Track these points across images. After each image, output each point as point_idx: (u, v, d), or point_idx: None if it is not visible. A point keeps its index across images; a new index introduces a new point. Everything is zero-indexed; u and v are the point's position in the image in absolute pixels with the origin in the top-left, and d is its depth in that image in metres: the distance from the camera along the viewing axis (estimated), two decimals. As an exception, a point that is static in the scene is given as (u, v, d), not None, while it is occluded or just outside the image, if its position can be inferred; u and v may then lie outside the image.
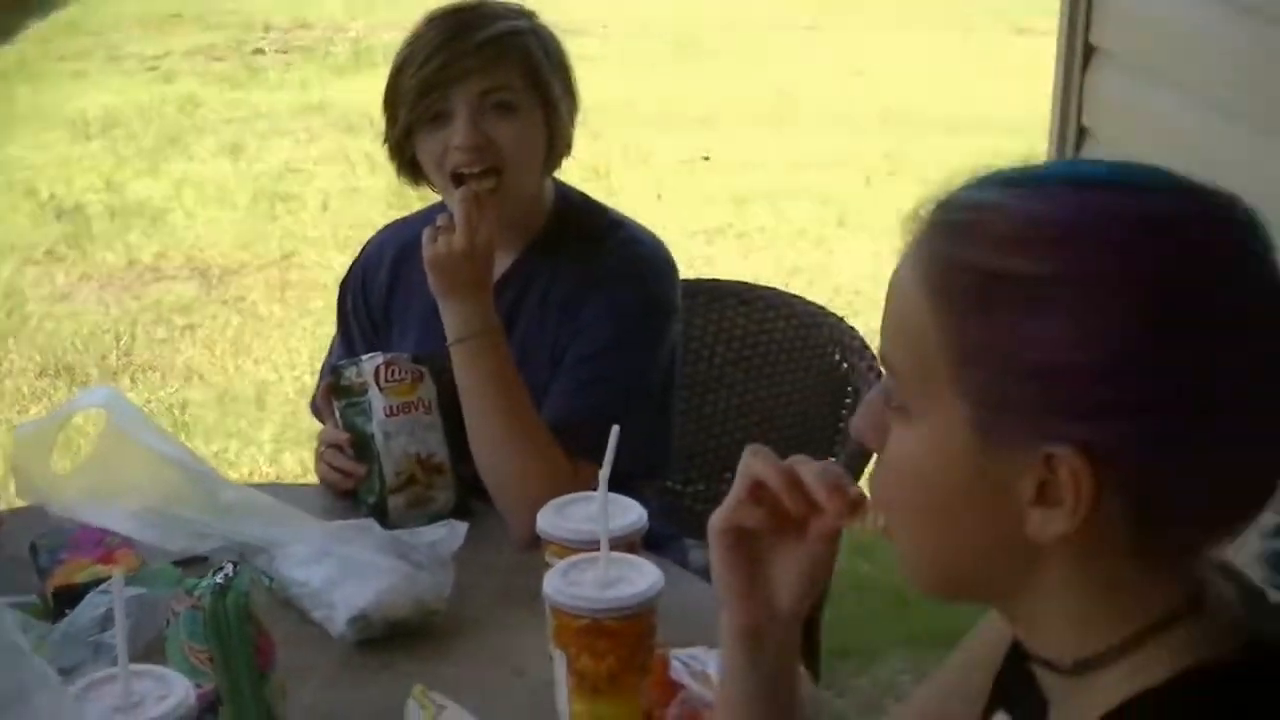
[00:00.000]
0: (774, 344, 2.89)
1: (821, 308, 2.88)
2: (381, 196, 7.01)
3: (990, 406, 1.01)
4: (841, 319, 2.84)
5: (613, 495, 1.73)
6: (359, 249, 2.56)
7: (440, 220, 2.17)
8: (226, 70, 10.71)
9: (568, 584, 1.62)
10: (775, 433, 2.85)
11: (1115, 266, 0.98)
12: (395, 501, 2.18)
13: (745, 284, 2.99)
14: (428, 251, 2.14)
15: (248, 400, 5.36)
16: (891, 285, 1.08)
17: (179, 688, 1.45)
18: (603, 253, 2.31)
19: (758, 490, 1.26)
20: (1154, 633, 1.04)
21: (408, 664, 1.82)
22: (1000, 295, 1.00)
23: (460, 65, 2.19)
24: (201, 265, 6.72)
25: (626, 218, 2.40)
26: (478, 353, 2.15)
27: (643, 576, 1.64)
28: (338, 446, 2.25)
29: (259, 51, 11.27)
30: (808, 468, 1.25)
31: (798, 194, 7.73)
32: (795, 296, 2.95)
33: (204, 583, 1.61)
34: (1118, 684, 1.04)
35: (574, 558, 1.68)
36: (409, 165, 2.31)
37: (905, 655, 3.86)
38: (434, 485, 2.20)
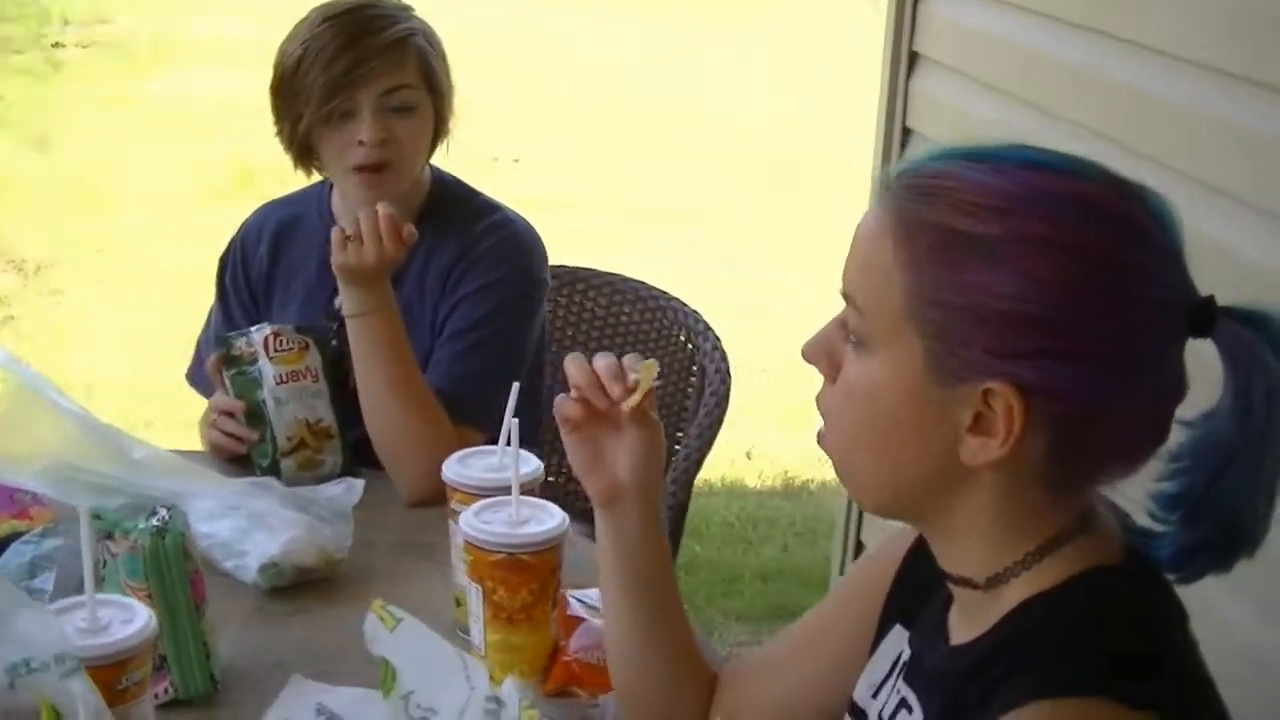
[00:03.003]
0: (622, 326, 3.03)
1: (664, 292, 3.02)
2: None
3: (944, 344, 1.17)
4: (685, 303, 2.98)
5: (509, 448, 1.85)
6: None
7: (349, 229, 2.23)
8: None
9: (482, 522, 1.73)
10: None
11: (1059, 235, 1.14)
12: (287, 464, 2.29)
13: (592, 270, 3.11)
14: (337, 258, 2.23)
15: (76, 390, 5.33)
16: (860, 232, 1.23)
17: (141, 613, 1.55)
18: (479, 231, 2.45)
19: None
20: (1051, 547, 1.22)
21: (320, 608, 1.94)
22: (959, 250, 1.15)
23: (366, 67, 2.31)
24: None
25: (498, 201, 2.54)
26: (373, 326, 2.27)
27: (550, 516, 1.76)
28: (229, 414, 2.35)
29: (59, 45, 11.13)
30: (602, 362, 1.51)
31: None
32: (640, 282, 3.07)
33: (140, 526, 1.71)
34: (1018, 590, 1.22)
35: (485, 501, 1.79)
36: (306, 155, 2.43)
37: (740, 629, 4.04)
38: (323, 449, 2.31)
